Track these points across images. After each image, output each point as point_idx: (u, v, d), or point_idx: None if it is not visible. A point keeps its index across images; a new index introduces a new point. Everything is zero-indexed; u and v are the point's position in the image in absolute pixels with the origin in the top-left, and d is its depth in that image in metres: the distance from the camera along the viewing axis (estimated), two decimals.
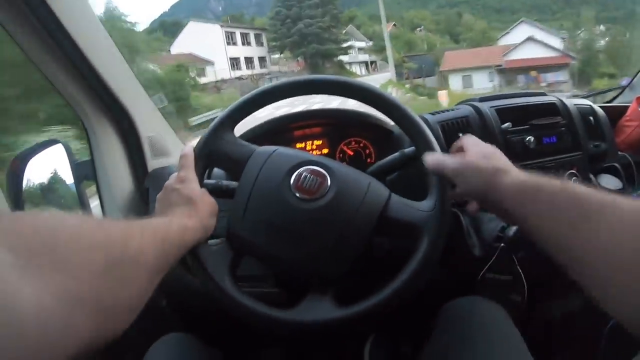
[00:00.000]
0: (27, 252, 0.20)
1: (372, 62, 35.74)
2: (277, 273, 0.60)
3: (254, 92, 0.49)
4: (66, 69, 0.60)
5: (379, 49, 34.40)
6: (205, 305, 0.62)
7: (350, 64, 34.08)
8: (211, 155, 0.48)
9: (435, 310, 0.57)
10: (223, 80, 23.42)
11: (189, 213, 0.42)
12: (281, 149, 0.48)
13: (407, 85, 17.94)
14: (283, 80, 0.50)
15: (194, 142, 0.48)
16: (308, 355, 0.77)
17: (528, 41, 18.47)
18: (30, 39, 0.55)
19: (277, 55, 32.98)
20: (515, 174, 0.37)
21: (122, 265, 0.27)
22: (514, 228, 0.58)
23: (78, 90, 0.63)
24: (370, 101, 0.49)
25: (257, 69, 29.19)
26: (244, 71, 27.11)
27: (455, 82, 19.08)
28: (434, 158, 0.44)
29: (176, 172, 0.47)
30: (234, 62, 27.04)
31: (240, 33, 29.10)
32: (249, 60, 29.09)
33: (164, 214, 0.42)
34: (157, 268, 0.32)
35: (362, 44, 36.49)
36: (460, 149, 0.46)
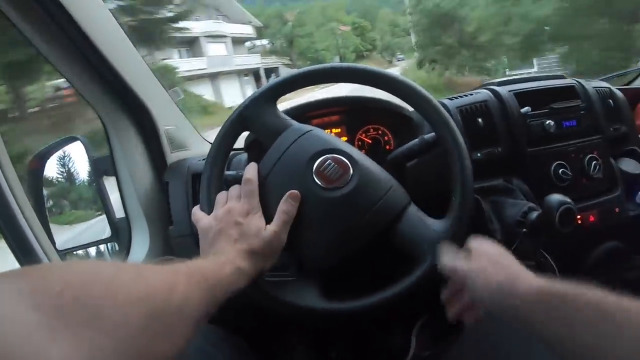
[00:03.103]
0: (56, 310, 0.19)
1: (256, 73, 15.51)
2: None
3: (300, 70, 0.50)
4: (81, 64, 0.60)
5: (282, 48, 19.50)
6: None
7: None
8: (249, 119, 0.48)
9: None
10: None
11: (248, 255, 0.40)
12: (316, 131, 0.48)
13: None
14: (322, 65, 0.50)
15: (254, 166, 0.47)
16: (331, 342, 0.78)
17: None
18: (43, 35, 0.55)
19: None
20: (529, 280, 0.35)
21: (165, 317, 0.25)
22: (535, 213, 0.57)
23: (94, 85, 0.64)
24: (390, 88, 0.49)
25: None
26: None
27: None
28: (448, 261, 0.42)
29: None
30: None
31: None
32: None
33: (218, 251, 0.40)
34: (204, 314, 0.30)
35: (226, 29, 13.98)
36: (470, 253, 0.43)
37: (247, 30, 16.45)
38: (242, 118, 0.48)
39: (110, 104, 0.66)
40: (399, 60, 24.75)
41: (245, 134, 0.61)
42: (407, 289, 0.44)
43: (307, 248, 0.46)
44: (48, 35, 0.56)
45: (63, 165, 0.78)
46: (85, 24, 0.56)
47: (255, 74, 15.69)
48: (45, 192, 0.77)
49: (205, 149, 0.50)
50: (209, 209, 0.47)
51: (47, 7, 0.52)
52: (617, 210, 0.72)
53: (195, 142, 0.78)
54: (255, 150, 0.63)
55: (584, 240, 0.74)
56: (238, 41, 15.33)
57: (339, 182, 0.44)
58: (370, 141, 0.69)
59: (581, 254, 0.79)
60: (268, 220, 0.44)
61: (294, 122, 0.49)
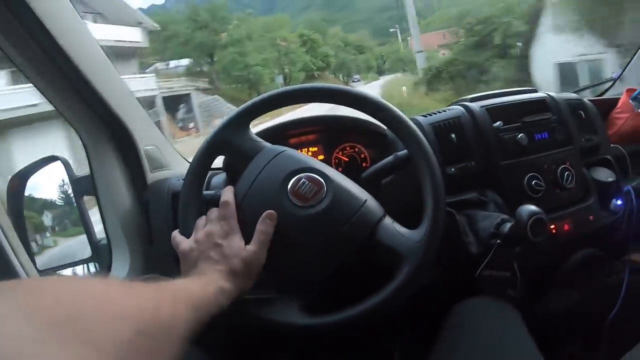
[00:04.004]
0: (47, 324, 0.19)
1: (151, 103, 8.11)
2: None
3: (271, 92, 0.51)
4: (61, 84, 0.61)
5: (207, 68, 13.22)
6: None
7: None
8: (223, 144, 0.50)
9: (440, 311, 0.58)
10: None
11: (229, 275, 0.41)
12: (290, 151, 0.49)
13: None
14: (294, 86, 0.52)
15: (230, 189, 0.48)
16: None
17: None
18: (24, 55, 0.56)
19: None
20: None
21: (152, 333, 0.25)
22: (508, 224, 0.59)
23: (75, 105, 0.64)
24: (362, 107, 0.51)
25: None
26: None
27: None
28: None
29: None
30: None
31: None
32: None
33: (200, 273, 0.41)
34: (189, 332, 0.31)
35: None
36: None
37: (131, 35, 9.13)
38: (216, 144, 0.50)
39: (90, 123, 0.67)
40: (354, 82, 22.88)
41: None
42: (387, 299, 0.45)
43: (286, 266, 0.47)
44: (29, 54, 0.56)
45: (43, 186, 0.78)
46: (66, 44, 0.56)
47: (150, 104, 8.83)
48: (49, 213, 0.78)
49: (185, 168, 0.51)
50: (187, 232, 0.47)
51: (29, 27, 0.53)
52: (591, 218, 0.74)
53: (175, 162, 0.78)
54: (233, 171, 0.63)
55: (560, 248, 0.76)
56: (120, 54, 8.53)
57: (313, 199, 0.45)
58: (347, 159, 0.71)
59: (558, 262, 0.81)
60: (247, 241, 0.45)
61: (267, 144, 0.50)
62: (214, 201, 0.51)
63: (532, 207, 0.54)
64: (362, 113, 0.53)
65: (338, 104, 0.51)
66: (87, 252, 0.71)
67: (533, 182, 0.69)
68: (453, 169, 0.66)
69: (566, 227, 0.72)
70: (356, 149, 0.70)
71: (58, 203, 0.79)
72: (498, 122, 0.69)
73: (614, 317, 0.79)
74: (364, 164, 0.70)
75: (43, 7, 0.53)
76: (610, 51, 4.47)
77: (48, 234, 0.80)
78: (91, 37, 0.66)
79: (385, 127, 0.67)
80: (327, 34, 25.55)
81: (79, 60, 0.59)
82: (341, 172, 0.50)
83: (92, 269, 0.74)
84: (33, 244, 0.74)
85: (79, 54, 0.59)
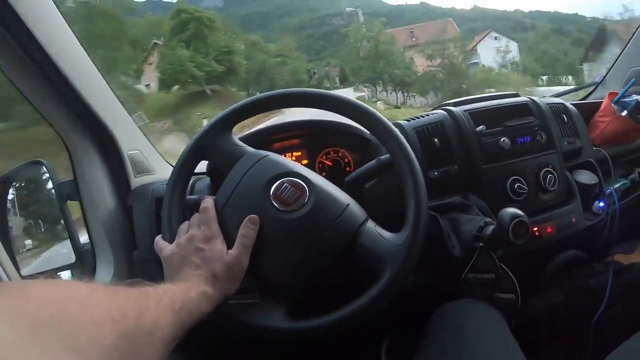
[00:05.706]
0: (31, 329, 0.19)
1: None
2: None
3: (254, 97, 0.52)
4: (44, 87, 0.60)
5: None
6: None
7: None
8: (206, 148, 0.50)
9: (425, 313, 0.58)
10: None
11: (211, 280, 0.41)
12: (272, 156, 0.49)
13: None
14: (275, 91, 0.52)
15: (210, 199, 0.49)
16: None
17: None
18: (9, 59, 0.55)
19: None
20: None
21: (135, 338, 0.25)
22: (491, 227, 0.59)
23: (58, 109, 0.64)
24: (345, 112, 0.51)
25: None
26: None
27: None
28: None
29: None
30: None
31: None
32: None
33: (182, 277, 0.40)
34: (172, 337, 0.31)
35: None
36: None
37: None
38: (199, 148, 0.50)
39: (73, 127, 0.66)
40: None
41: None
42: (370, 302, 0.45)
43: (270, 270, 0.47)
44: (11, 56, 0.55)
45: (27, 190, 0.77)
46: (49, 47, 0.56)
47: None
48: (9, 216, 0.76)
49: (169, 173, 0.51)
50: (170, 237, 0.47)
51: (11, 27, 0.52)
52: (573, 220, 0.75)
53: (159, 167, 0.78)
54: (217, 175, 0.63)
55: (543, 250, 0.77)
56: None
57: (296, 204, 0.46)
58: (330, 164, 0.71)
59: (542, 263, 0.81)
60: (230, 245, 0.45)
61: (250, 149, 0.50)
62: (197, 206, 0.51)
63: (514, 210, 0.54)
64: (346, 118, 0.53)
65: (322, 109, 0.51)
66: (71, 257, 0.71)
67: (516, 186, 0.70)
68: (436, 173, 0.67)
69: (549, 229, 0.72)
70: (340, 154, 0.71)
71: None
72: (481, 126, 0.70)
73: (598, 318, 0.80)
74: (347, 169, 0.70)
75: (28, 10, 0.52)
76: None
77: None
78: (75, 41, 0.65)
79: (369, 132, 0.68)
80: (242, 39, 17.72)
81: (62, 63, 0.58)
82: (325, 176, 0.50)
83: (77, 274, 0.73)
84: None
85: (63, 57, 0.59)
